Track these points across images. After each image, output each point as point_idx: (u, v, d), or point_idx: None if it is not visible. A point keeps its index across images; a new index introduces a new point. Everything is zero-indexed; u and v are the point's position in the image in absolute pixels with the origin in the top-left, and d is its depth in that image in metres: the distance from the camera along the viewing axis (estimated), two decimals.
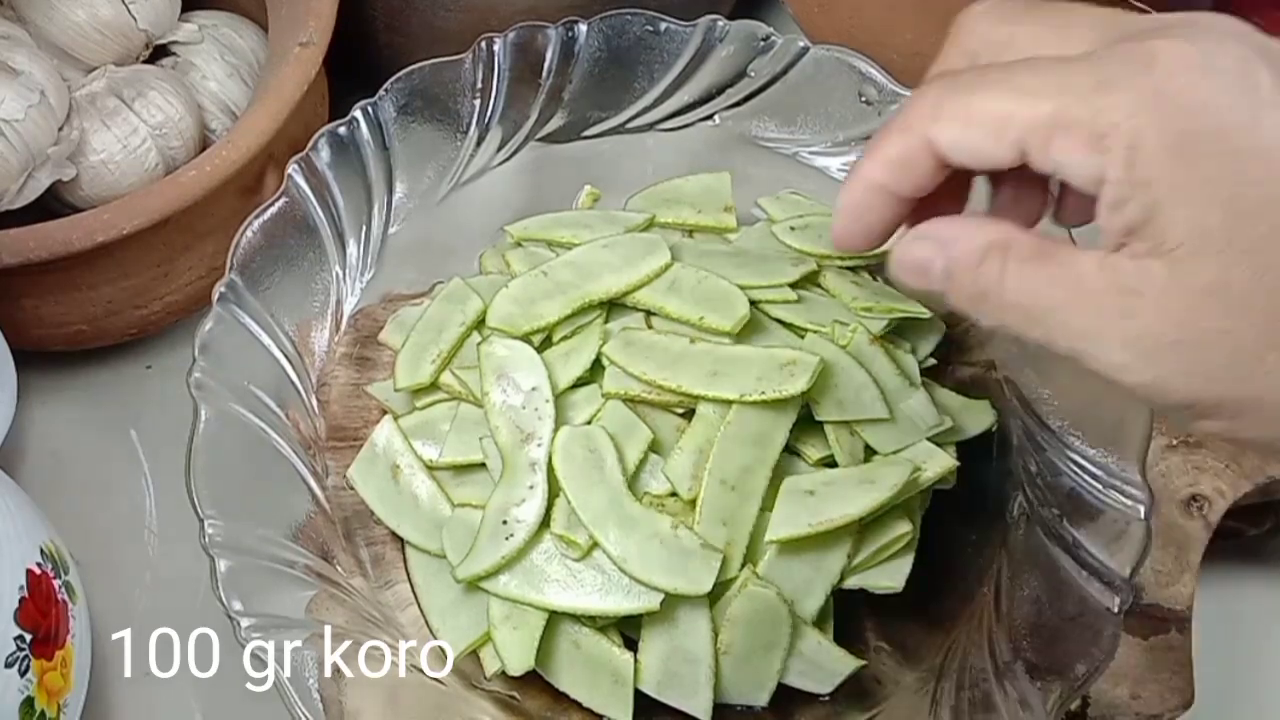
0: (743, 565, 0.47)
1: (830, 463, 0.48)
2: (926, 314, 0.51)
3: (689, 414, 0.48)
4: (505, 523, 0.46)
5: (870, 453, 0.49)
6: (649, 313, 0.51)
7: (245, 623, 0.44)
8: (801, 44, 0.55)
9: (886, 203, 0.36)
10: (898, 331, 0.52)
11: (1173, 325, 0.32)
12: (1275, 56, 0.32)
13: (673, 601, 0.46)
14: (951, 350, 0.54)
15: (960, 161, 0.34)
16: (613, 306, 0.51)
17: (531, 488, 0.47)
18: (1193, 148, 0.31)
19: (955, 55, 0.37)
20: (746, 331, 0.49)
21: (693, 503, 0.46)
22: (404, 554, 0.50)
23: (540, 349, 0.50)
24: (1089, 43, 0.34)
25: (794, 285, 0.51)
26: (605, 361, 0.49)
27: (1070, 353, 0.33)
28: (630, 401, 0.49)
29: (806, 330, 0.50)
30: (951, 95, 0.34)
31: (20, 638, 0.45)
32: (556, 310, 0.50)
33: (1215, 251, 0.31)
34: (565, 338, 0.50)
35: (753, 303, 0.49)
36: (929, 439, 0.48)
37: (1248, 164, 0.31)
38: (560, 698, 0.47)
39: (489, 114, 0.55)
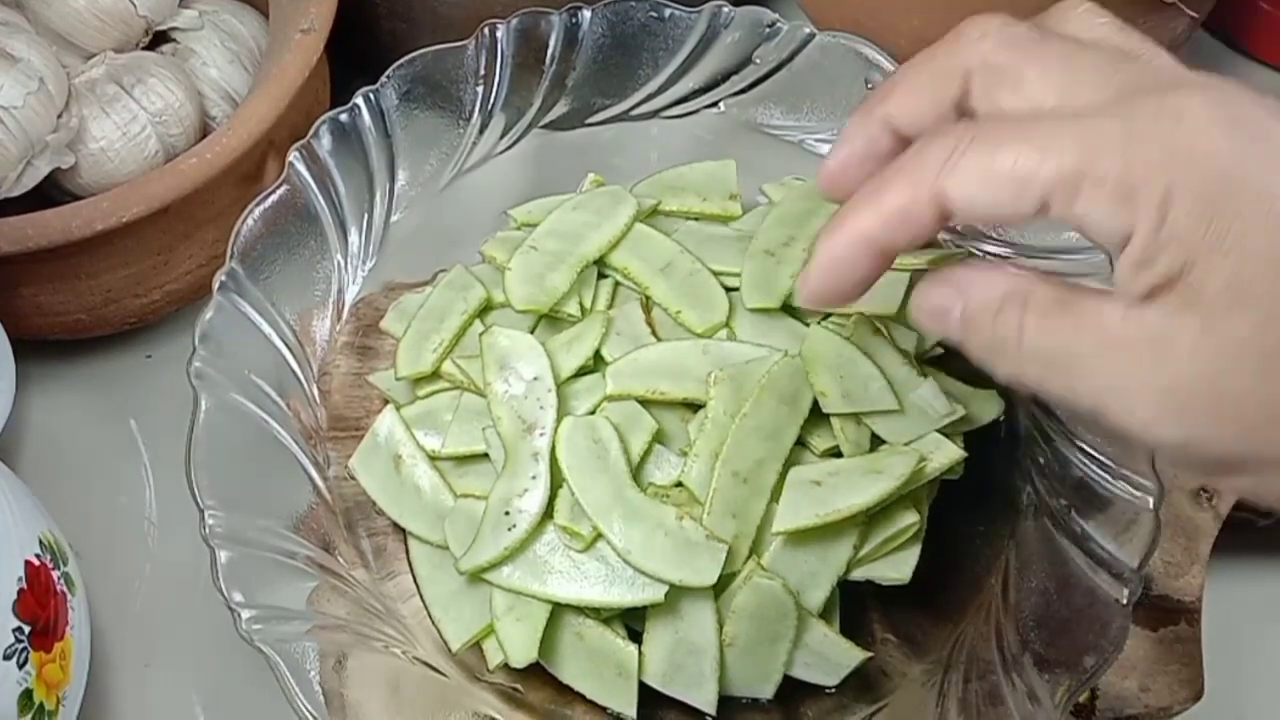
0: (748, 557, 0.46)
1: (837, 453, 0.48)
2: None
3: (693, 404, 0.48)
4: (508, 514, 0.46)
5: (877, 442, 0.48)
6: (646, 297, 0.51)
7: (246, 614, 0.43)
8: (807, 30, 0.55)
9: (875, 258, 0.34)
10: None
11: (1205, 379, 0.31)
12: None
13: (677, 593, 0.45)
14: None
15: (972, 217, 0.33)
16: (615, 289, 0.52)
17: (534, 478, 0.46)
18: (1227, 203, 0.30)
19: (947, 63, 0.35)
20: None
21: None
22: (406, 545, 0.50)
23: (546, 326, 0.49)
24: (1096, 88, 0.33)
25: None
26: (607, 380, 0.49)
27: (1094, 408, 0.32)
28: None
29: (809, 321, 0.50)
30: (970, 150, 0.32)
31: (19, 629, 0.44)
32: (564, 279, 0.50)
33: (1252, 305, 0.31)
34: (572, 318, 0.50)
35: None
36: (937, 429, 0.48)
37: None
38: (564, 690, 0.47)
39: (492, 101, 0.55)
